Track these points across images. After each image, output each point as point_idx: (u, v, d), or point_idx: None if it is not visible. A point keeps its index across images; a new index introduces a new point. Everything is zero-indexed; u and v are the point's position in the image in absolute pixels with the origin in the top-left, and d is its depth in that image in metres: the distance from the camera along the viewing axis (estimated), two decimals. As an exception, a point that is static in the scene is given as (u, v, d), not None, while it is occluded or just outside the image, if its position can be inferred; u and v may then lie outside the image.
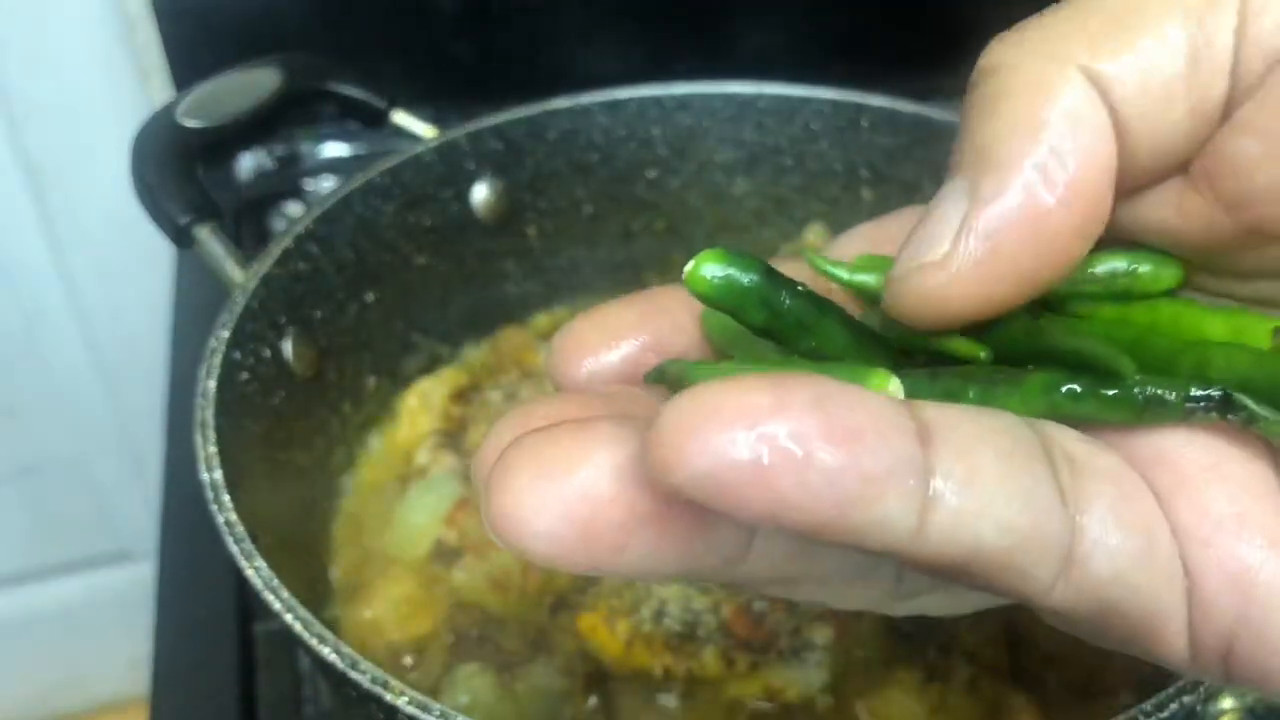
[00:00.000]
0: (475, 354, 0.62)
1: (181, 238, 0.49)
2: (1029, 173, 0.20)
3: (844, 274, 0.25)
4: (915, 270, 0.20)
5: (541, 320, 0.65)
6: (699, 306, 0.24)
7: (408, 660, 0.48)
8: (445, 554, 0.50)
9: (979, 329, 0.22)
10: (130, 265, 0.85)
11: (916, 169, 0.59)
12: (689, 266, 0.21)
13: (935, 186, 0.21)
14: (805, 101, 0.61)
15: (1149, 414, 0.19)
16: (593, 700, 0.45)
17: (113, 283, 0.87)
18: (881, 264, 0.25)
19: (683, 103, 0.61)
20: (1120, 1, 0.20)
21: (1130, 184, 0.21)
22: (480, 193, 0.59)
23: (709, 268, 0.21)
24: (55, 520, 1.00)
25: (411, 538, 0.51)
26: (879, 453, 0.16)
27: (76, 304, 0.88)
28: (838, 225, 0.63)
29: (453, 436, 0.55)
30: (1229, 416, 0.19)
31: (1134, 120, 0.20)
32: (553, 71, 0.72)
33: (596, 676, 0.46)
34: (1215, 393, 0.19)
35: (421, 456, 0.55)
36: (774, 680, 0.45)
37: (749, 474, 0.15)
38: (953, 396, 0.21)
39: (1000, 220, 0.20)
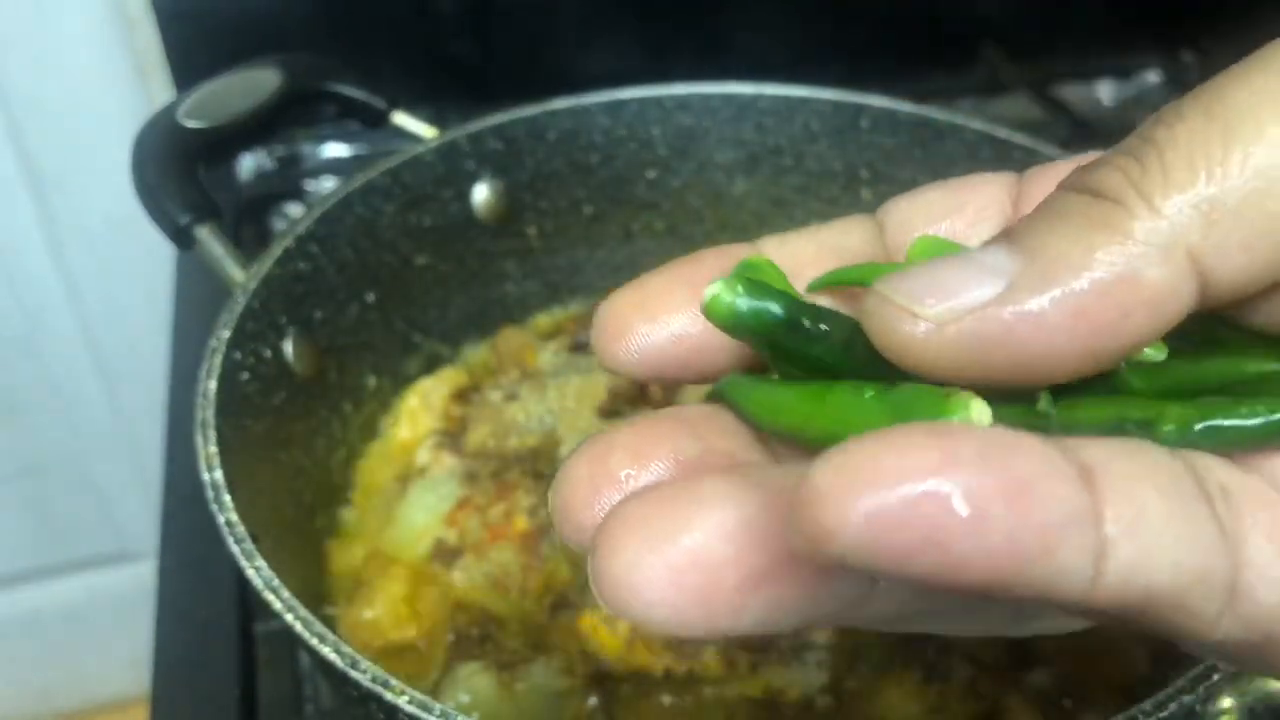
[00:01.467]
0: (475, 354, 0.62)
1: (182, 238, 0.49)
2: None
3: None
4: (905, 312, 0.18)
5: (541, 320, 0.65)
6: None
7: (408, 660, 0.48)
8: (445, 554, 0.50)
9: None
10: (130, 265, 0.85)
11: (916, 169, 0.59)
12: (707, 294, 0.19)
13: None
14: (805, 101, 0.61)
15: None
16: (593, 700, 0.45)
17: (113, 283, 0.87)
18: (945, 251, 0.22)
19: (683, 103, 0.61)
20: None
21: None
22: (480, 193, 0.59)
23: (732, 295, 0.18)
24: (56, 520, 1.00)
25: (411, 538, 0.51)
26: (1051, 504, 0.15)
27: (76, 304, 0.88)
28: (837, 225, 0.63)
29: (453, 436, 0.55)
30: None
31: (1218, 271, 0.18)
32: (553, 71, 0.72)
33: (596, 676, 0.46)
34: None
35: (421, 456, 0.55)
36: (774, 680, 0.45)
37: (920, 537, 0.15)
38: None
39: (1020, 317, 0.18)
